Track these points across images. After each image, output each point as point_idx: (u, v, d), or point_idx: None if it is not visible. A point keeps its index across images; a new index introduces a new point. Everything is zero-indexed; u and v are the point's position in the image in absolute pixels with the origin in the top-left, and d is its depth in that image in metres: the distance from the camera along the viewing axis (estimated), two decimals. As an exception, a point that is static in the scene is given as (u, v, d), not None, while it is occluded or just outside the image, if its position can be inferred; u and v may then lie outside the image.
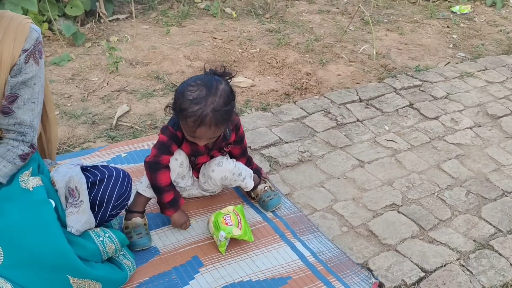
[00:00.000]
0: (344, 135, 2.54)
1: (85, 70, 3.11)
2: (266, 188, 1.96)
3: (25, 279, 1.34)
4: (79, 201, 1.44)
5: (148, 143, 2.32)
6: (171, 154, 1.74)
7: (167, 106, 1.72)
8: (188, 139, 1.72)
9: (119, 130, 2.54)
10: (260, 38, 3.83)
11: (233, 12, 4.29)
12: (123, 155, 2.21)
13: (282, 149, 2.37)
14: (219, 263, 1.66)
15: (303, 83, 3.11)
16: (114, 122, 2.58)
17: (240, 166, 1.87)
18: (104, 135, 2.48)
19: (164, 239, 1.74)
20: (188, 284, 1.56)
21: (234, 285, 1.58)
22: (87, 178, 1.49)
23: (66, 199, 1.46)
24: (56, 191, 1.49)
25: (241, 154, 1.94)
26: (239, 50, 3.57)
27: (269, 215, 1.92)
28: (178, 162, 1.76)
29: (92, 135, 2.48)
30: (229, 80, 1.70)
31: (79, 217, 1.43)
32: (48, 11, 3.39)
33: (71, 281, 1.38)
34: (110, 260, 1.54)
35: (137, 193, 1.76)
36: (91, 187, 1.48)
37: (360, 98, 2.91)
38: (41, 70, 1.47)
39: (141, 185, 1.76)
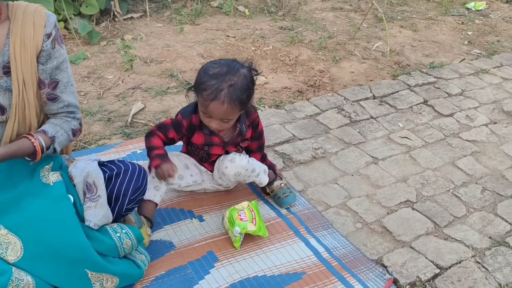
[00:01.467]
0: (358, 132, 2.54)
1: (100, 68, 3.14)
2: (282, 184, 1.97)
3: (45, 272, 1.38)
4: (97, 195, 1.47)
5: (162, 140, 2.34)
6: (166, 137, 1.78)
7: (189, 88, 1.76)
8: (203, 121, 1.72)
9: (134, 127, 2.57)
10: (273, 36, 3.84)
11: (246, 10, 4.30)
12: (138, 151, 2.23)
13: (296, 146, 2.37)
14: (234, 258, 1.67)
15: (316, 81, 3.11)
16: (129, 120, 2.61)
17: (254, 162, 1.87)
18: (120, 132, 2.51)
19: (180, 234, 1.76)
20: (204, 279, 1.58)
21: (249, 280, 1.59)
22: (104, 172, 1.51)
23: (84, 194, 1.49)
24: (74, 186, 1.52)
25: (258, 149, 1.95)
26: (252, 48, 3.58)
27: (283, 211, 1.93)
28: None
29: (108, 132, 2.51)
30: (253, 73, 1.72)
31: (97, 211, 1.46)
32: (64, 10, 3.44)
33: (89, 275, 1.41)
34: (126, 256, 1.55)
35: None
36: (107, 181, 1.51)
37: (373, 95, 2.91)
38: (66, 53, 1.52)
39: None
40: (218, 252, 1.69)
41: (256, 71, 1.74)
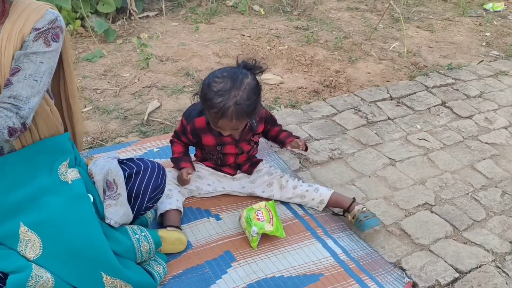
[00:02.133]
0: (375, 133, 2.52)
1: (116, 66, 3.16)
2: (364, 209, 1.85)
3: (63, 270, 1.37)
4: (117, 193, 1.47)
5: (179, 138, 2.34)
6: (182, 142, 1.90)
7: (195, 94, 1.79)
8: (213, 128, 1.75)
9: (150, 125, 2.57)
10: (288, 36, 3.82)
11: (261, 10, 4.29)
12: (155, 150, 2.23)
13: (312, 146, 2.36)
14: (251, 258, 1.67)
15: (332, 81, 3.09)
16: (145, 118, 2.62)
17: (301, 188, 1.92)
18: (136, 130, 2.51)
19: (197, 233, 1.75)
20: (221, 278, 1.58)
21: (266, 280, 1.58)
22: (123, 170, 1.51)
23: (104, 192, 1.49)
24: (94, 183, 1.52)
25: (280, 131, 1.98)
26: (268, 47, 3.57)
27: (300, 212, 1.91)
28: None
29: (124, 130, 2.52)
30: (258, 74, 1.71)
31: (117, 210, 1.46)
32: (81, 8, 3.46)
33: (104, 278, 1.39)
34: (143, 266, 1.54)
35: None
36: (127, 179, 1.51)
37: (391, 96, 2.88)
38: (52, 52, 1.43)
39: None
40: (235, 251, 1.69)
41: (261, 68, 1.72)
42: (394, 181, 2.17)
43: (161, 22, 3.94)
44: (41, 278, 1.33)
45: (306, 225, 1.84)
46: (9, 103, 1.36)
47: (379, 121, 2.62)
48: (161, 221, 1.73)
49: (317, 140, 2.42)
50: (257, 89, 1.67)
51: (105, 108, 2.68)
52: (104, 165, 1.50)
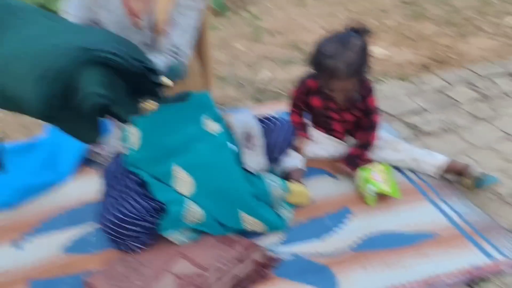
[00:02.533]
0: (489, 107, 2.49)
1: (230, 38, 3.38)
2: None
3: (211, 207, 1.61)
4: (255, 145, 1.67)
5: (292, 105, 2.51)
6: (298, 107, 2.04)
7: (308, 63, 1.91)
8: (324, 91, 1.87)
9: (264, 93, 2.76)
10: (395, 10, 3.80)
11: (367, -16, 4.28)
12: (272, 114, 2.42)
13: (424, 117, 2.40)
14: (367, 213, 1.80)
15: (441, 56, 3.07)
16: (259, 86, 2.81)
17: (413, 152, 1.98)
18: (251, 97, 2.72)
19: (316, 189, 1.91)
20: (340, 228, 1.73)
21: (382, 233, 1.71)
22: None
23: (243, 143, 1.70)
24: (233, 136, 1.73)
25: (367, 128, 1.97)
26: (374, 22, 3.60)
27: (414, 177, 1.99)
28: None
29: (241, 96, 2.73)
30: (365, 36, 1.81)
31: (255, 159, 1.67)
32: (197, -17, 3.72)
33: (242, 216, 1.62)
34: (273, 208, 1.73)
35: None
36: (263, 133, 1.70)
37: (506, 72, 2.81)
38: (197, 8, 1.59)
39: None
40: (352, 207, 1.83)
41: (368, 31, 1.82)
42: (510, 154, 2.16)
43: (268, -4, 4.10)
44: (193, 210, 1.57)
45: (420, 189, 1.92)
46: (170, 50, 1.56)
47: (494, 96, 2.58)
48: (286, 178, 1.90)
49: (429, 112, 2.46)
50: (365, 49, 1.79)
51: (222, 76, 2.91)
52: (244, 120, 1.71)
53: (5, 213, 1.78)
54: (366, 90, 1.93)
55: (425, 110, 2.48)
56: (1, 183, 1.81)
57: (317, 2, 3.98)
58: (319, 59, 1.77)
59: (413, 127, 2.35)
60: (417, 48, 3.20)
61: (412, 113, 2.45)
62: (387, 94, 2.62)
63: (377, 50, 3.18)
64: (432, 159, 1.96)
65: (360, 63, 1.76)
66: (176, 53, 1.56)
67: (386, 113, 2.45)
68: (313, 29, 3.48)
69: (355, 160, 1.95)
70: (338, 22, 3.60)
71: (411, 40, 3.31)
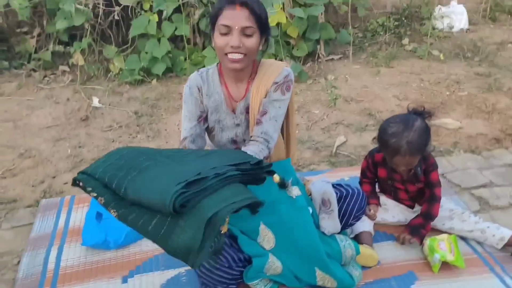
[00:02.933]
0: (561, 186, 2.55)
1: (308, 103, 3.69)
2: None
3: (288, 261, 1.84)
4: (330, 209, 1.90)
5: (364, 171, 2.72)
6: (369, 178, 2.27)
7: (374, 138, 2.15)
8: (389, 165, 2.08)
9: (338, 157, 3.00)
10: (469, 81, 3.94)
11: (441, 55, 4.47)
12: (346, 179, 2.64)
13: (493, 191, 2.51)
14: (432, 280, 1.94)
15: (515, 130, 3.15)
16: (333, 150, 3.06)
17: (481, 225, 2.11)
18: (326, 160, 2.96)
19: (384, 252, 2.09)
20: (406, 292, 1.88)
21: (445, 302, 1.84)
22: (335, 193, 1.94)
23: (319, 207, 1.94)
24: (311, 199, 1.98)
25: (428, 199, 2.11)
26: (447, 93, 3.76)
27: (479, 249, 2.10)
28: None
29: (316, 159, 2.99)
30: (427, 118, 2.01)
31: (330, 222, 1.89)
32: (280, 52, 4.12)
33: (317, 272, 1.82)
34: (345, 268, 1.92)
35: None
36: (338, 200, 1.93)
37: None
38: (286, 100, 1.89)
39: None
40: (418, 272, 1.98)
41: (429, 112, 2.03)
42: None
43: (344, 65, 4.41)
44: (274, 263, 1.81)
45: (485, 261, 2.03)
46: (261, 138, 1.84)
47: None
48: (356, 240, 2.09)
49: (498, 186, 2.56)
50: (426, 129, 1.99)
51: (299, 139, 3.19)
52: (322, 186, 1.95)
53: (116, 252, 2.12)
54: (429, 165, 2.11)
55: (495, 184, 2.58)
56: (114, 227, 2.17)
57: (391, 71, 4.22)
58: (384, 138, 2.01)
59: (481, 200, 2.46)
60: (490, 121, 3.31)
61: (481, 186, 2.57)
62: (457, 167, 2.75)
63: (449, 121, 3.33)
64: (498, 232, 2.07)
65: (421, 142, 1.96)
66: (267, 141, 1.85)
67: (456, 185, 2.59)
68: (386, 98, 3.71)
69: (418, 230, 2.10)
70: (411, 91, 3.81)
71: (484, 113, 3.42)
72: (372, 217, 2.15)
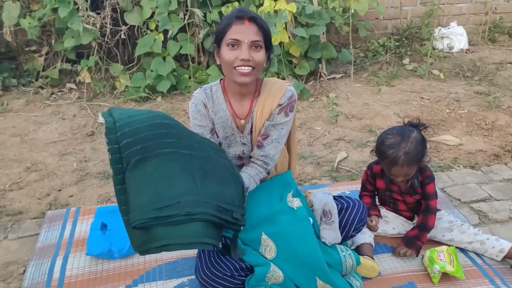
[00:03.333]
0: (560, 200, 2.57)
1: (310, 120, 3.75)
2: None
3: (289, 271, 1.86)
4: (331, 221, 1.94)
5: (365, 185, 2.76)
6: (368, 191, 2.30)
7: (371, 150, 2.20)
8: (388, 176, 2.13)
9: (339, 172, 3.04)
10: (468, 100, 4.00)
11: (441, 74, 4.55)
12: (347, 192, 2.68)
13: (492, 205, 2.54)
14: (432, 291, 1.96)
15: (514, 146, 3.20)
16: (335, 165, 3.10)
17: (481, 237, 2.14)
18: (328, 175, 3.00)
19: (384, 264, 2.11)
20: (406, 303, 1.90)
21: (445, 312, 1.85)
22: (336, 204, 1.98)
23: (320, 218, 1.97)
24: (312, 210, 2.01)
25: (424, 211, 2.15)
26: (447, 111, 3.82)
27: (479, 261, 2.12)
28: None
29: (318, 174, 3.03)
30: (422, 130, 2.06)
31: (331, 233, 1.92)
32: (283, 71, 4.21)
33: (317, 282, 1.84)
34: (345, 277, 1.94)
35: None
36: (339, 211, 1.97)
37: None
38: (289, 121, 1.96)
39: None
40: (418, 283, 2.00)
41: (424, 125, 2.08)
42: None
43: (346, 84, 4.49)
44: (276, 273, 1.84)
45: (484, 273, 2.05)
46: (261, 160, 1.94)
47: None
48: (357, 252, 2.12)
49: (497, 200, 2.59)
50: (422, 141, 2.04)
51: (301, 154, 3.24)
52: (323, 198, 1.99)
53: (120, 262, 2.15)
54: (425, 177, 2.15)
55: (494, 198, 2.61)
56: (118, 237, 2.20)
57: (392, 90, 4.29)
58: (382, 149, 2.06)
59: (481, 214, 2.49)
60: (489, 138, 3.35)
61: (480, 200, 2.60)
62: (457, 181, 2.79)
63: (449, 137, 3.38)
64: (498, 244, 2.10)
65: (418, 153, 2.01)
66: (266, 163, 1.93)
67: (455, 199, 2.62)
68: (387, 115, 3.77)
69: (413, 242, 2.13)
70: (412, 109, 3.87)
71: (484, 130, 3.47)
72: (373, 228, 2.18)
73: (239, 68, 1.77)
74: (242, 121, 1.94)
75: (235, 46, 1.75)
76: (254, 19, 1.76)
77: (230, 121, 1.93)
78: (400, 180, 2.11)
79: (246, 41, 1.74)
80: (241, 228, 1.71)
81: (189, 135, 1.70)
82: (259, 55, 1.78)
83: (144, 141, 1.55)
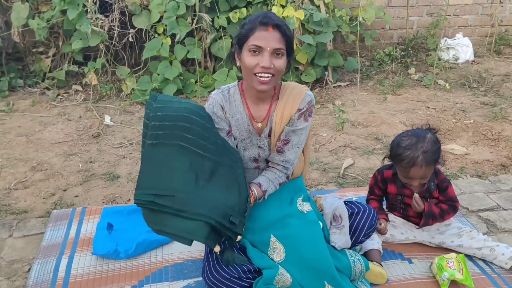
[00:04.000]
0: None
1: (316, 127, 3.75)
2: None
3: (297, 274, 1.84)
4: (341, 225, 1.93)
5: (372, 192, 2.74)
6: (376, 195, 2.28)
7: (384, 157, 2.18)
8: (402, 181, 2.10)
9: (345, 178, 3.03)
10: (474, 110, 4.00)
11: (447, 84, 4.55)
12: (354, 198, 2.66)
13: (500, 214, 2.53)
14: (441, 299, 1.94)
15: (521, 157, 3.19)
16: (341, 172, 3.09)
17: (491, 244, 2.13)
18: (334, 181, 2.99)
19: (392, 271, 2.09)
20: (414, 310, 1.88)
21: (455, 320, 1.83)
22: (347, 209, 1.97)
23: (331, 222, 1.96)
24: (322, 215, 2.00)
25: (448, 205, 2.17)
26: (453, 120, 3.81)
27: (488, 270, 2.11)
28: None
29: (324, 180, 3.02)
30: (434, 133, 2.07)
31: (341, 237, 1.91)
32: (289, 78, 4.21)
33: (326, 286, 1.82)
34: (354, 283, 1.93)
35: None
36: (349, 216, 1.96)
37: None
38: (309, 125, 1.97)
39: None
40: (426, 291, 1.98)
41: (434, 129, 2.09)
42: None
43: (352, 92, 4.49)
44: (284, 276, 1.82)
45: (493, 282, 2.03)
46: (281, 165, 1.94)
47: None
48: (365, 257, 2.09)
49: (505, 209, 2.58)
50: (437, 141, 2.04)
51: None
52: (333, 203, 1.98)
53: (126, 262, 2.14)
54: (442, 181, 2.14)
55: (502, 207, 2.60)
56: (125, 238, 2.19)
57: (398, 99, 4.30)
58: (398, 151, 2.04)
59: (489, 222, 2.48)
60: (496, 148, 3.35)
61: (488, 210, 2.58)
62: (464, 190, 2.78)
63: (456, 147, 3.38)
64: (508, 251, 2.08)
65: (435, 152, 2.00)
66: (286, 168, 1.94)
67: (463, 207, 2.60)
68: (393, 123, 3.77)
69: (430, 217, 2.13)
70: (418, 118, 3.87)
71: (490, 140, 3.47)
72: (383, 231, 2.16)
73: (259, 74, 1.76)
74: (259, 125, 1.93)
75: (257, 52, 1.74)
76: (278, 26, 1.74)
77: (247, 123, 1.92)
78: (416, 184, 2.08)
79: (268, 49, 1.73)
80: (237, 237, 1.77)
81: (209, 137, 1.75)
82: (280, 63, 1.76)
83: (168, 129, 1.69)
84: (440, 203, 2.18)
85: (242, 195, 1.77)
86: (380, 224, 2.17)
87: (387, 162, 2.18)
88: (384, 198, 2.33)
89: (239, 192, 1.77)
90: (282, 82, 1.97)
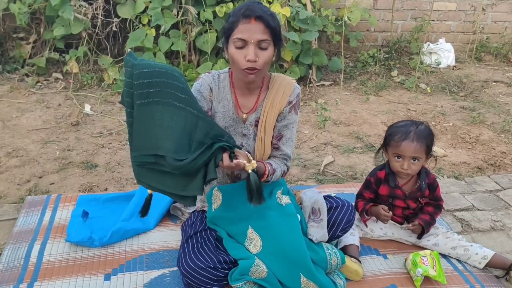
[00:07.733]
0: (541, 213, 2.62)
1: (298, 124, 3.74)
2: None
3: (273, 266, 1.84)
4: (320, 219, 1.93)
5: (350, 188, 2.76)
6: (365, 198, 2.24)
7: (379, 149, 2.22)
8: (393, 169, 2.12)
9: (325, 175, 3.04)
10: (454, 114, 4.07)
11: (428, 88, 4.62)
12: (333, 194, 2.66)
13: (475, 215, 2.57)
14: (414, 294, 1.96)
15: (497, 160, 3.25)
16: (321, 169, 3.10)
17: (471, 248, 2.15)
18: (313, 178, 3.00)
19: (368, 266, 2.10)
20: (388, 305, 1.89)
21: (427, 315, 1.85)
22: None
23: (309, 216, 1.96)
24: (300, 209, 2.00)
25: (433, 206, 2.22)
26: (432, 123, 3.87)
27: (460, 267, 2.14)
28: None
29: (304, 176, 3.02)
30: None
31: (318, 230, 1.91)
32: (273, 74, 4.21)
33: (301, 279, 1.82)
34: (329, 276, 1.93)
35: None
36: (328, 210, 1.96)
37: (559, 182, 2.93)
38: (298, 118, 1.98)
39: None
40: (400, 286, 1.99)
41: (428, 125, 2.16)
42: (558, 260, 2.25)
43: (335, 91, 4.52)
44: (260, 267, 1.81)
45: (466, 279, 2.06)
46: (280, 158, 1.97)
47: (546, 203, 2.71)
48: (343, 252, 2.10)
49: (480, 210, 2.62)
50: (431, 130, 2.12)
51: (288, 156, 3.23)
52: (312, 196, 1.98)
53: (100, 250, 2.10)
54: (432, 181, 2.19)
55: (476, 208, 2.64)
56: (100, 226, 2.16)
57: (380, 100, 4.34)
58: (391, 131, 2.11)
59: (463, 222, 2.51)
60: (473, 151, 3.40)
61: (463, 209, 2.62)
62: (441, 190, 2.80)
63: (434, 149, 3.41)
64: (481, 251, 2.12)
65: (428, 135, 2.08)
66: (285, 159, 1.98)
67: (439, 206, 2.64)
68: (374, 123, 3.80)
69: (428, 227, 2.18)
70: (398, 118, 3.91)
71: (468, 143, 3.52)
72: (386, 216, 2.14)
73: (246, 69, 1.75)
74: (245, 115, 1.92)
75: (242, 45, 1.73)
76: (261, 18, 1.71)
77: (232, 111, 1.91)
78: (405, 166, 2.07)
79: (252, 41, 1.71)
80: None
81: (196, 102, 1.72)
82: (266, 54, 1.75)
83: (160, 86, 1.60)
84: (425, 206, 2.22)
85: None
86: (380, 211, 2.15)
87: (379, 158, 2.20)
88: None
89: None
90: (271, 73, 1.97)
